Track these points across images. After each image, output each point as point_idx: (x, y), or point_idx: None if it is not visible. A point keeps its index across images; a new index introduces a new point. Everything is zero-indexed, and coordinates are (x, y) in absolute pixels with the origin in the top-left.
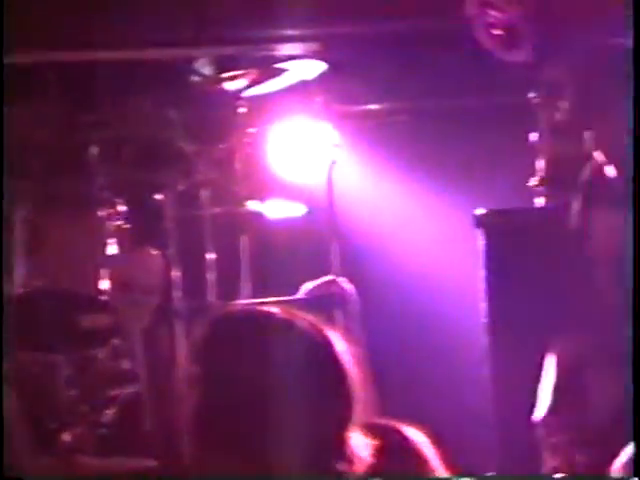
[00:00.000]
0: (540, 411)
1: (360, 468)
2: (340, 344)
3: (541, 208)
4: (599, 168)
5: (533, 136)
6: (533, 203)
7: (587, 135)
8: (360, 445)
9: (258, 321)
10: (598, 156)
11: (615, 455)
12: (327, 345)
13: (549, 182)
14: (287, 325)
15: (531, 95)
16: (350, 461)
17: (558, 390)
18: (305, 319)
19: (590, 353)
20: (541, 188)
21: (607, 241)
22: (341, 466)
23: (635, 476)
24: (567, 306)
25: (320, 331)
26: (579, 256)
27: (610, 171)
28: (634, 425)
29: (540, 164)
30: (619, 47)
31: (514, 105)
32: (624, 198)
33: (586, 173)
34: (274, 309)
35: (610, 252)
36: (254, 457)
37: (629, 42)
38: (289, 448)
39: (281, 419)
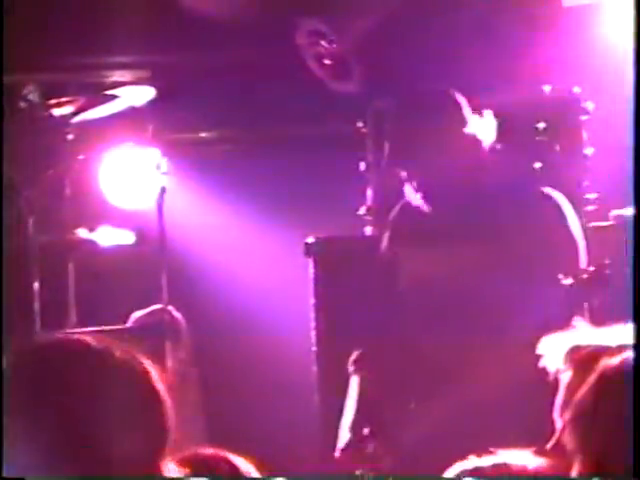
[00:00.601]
0: (342, 440)
1: None
2: (154, 374)
3: (368, 237)
4: (405, 207)
5: (362, 165)
6: (364, 232)
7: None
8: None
9: (66, 351)
10: (407, 191)
11: None
12: (142, 374)
13: (375, 211)
14: (98, 354)
15: (359, 125)
16: None
17: (358, 419)
18: (119, 348)
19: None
20: (369, 217)
21: (413, 279)
22: None
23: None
24: (382, 337)
25: (135, 360)
26: (392, 289)
27: (419, 203)
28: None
29: (368, 193)
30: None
31: (345, 134)
32: (434, 234)
33: (394, 212)
34: (88, 338)
35: (417, 290)
36: None
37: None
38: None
39: (92, 450)
